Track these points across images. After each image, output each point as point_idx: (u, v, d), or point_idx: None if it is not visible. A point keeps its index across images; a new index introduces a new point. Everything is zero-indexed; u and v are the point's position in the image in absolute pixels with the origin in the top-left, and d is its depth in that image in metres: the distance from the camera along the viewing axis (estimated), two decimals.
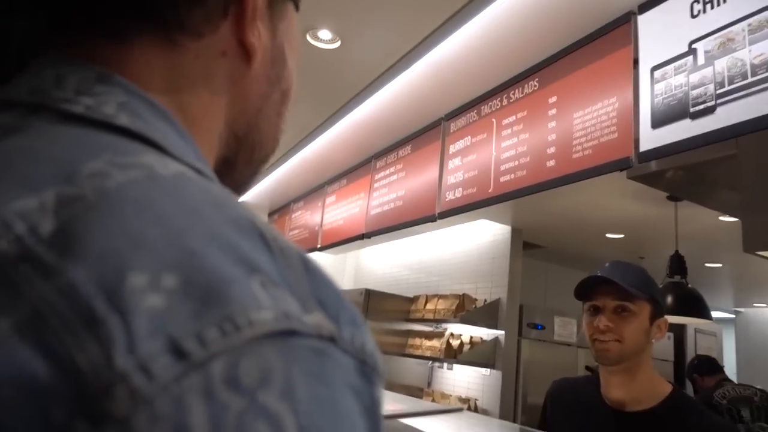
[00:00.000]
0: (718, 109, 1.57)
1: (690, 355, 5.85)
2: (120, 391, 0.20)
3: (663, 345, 5.19)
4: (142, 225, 0.24)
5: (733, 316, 7.66)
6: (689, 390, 4.29)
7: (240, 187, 0.46)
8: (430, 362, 4.90)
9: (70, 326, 0.21)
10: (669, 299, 3.40)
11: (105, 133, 0.30)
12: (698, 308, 3.39)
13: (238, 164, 0.43)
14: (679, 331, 5.62)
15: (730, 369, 7.27)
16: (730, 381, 3.61)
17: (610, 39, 1.98)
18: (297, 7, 0.46)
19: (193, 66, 0.37)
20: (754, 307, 7.34)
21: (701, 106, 1.62)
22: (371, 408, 0.26)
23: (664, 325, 1.38)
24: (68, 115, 0.30)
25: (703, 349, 5.97)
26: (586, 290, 1.40)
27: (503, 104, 2.46)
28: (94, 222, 0.23)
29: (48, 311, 0.21)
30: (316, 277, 0.28)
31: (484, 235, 4.82)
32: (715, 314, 7.77)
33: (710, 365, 3.93)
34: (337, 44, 2.40)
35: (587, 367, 4.40)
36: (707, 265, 5.30)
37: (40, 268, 0.22)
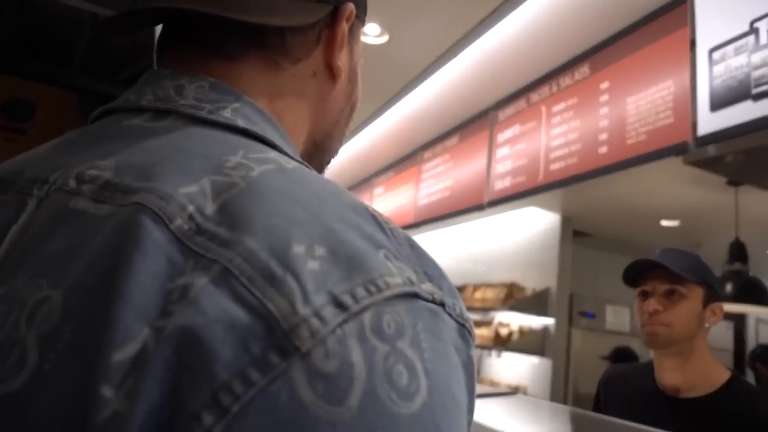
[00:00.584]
0: None
1: (750, 345, 5.62)
2: (303, 330, 0.25)
3: (722, 334, 5.00)
4: (289, 207, 0.29)
5: None
6: (750, 380, 4.14)
7: None
8: (479, 350, 4.90)
9: (256, 282, 0.26)
10: (728, 287, 3.29)
11: (230, 134, 0.36)
12: (759, 296, 3.26)
13: (313, 165, 0.48)
14: (739, 320, 5.40)
15: None
16: None
17: (665, 21, 1.93)
18: (364, 26, 0.51)
19: (289, 84, 0.43)
20: None
21: (765, 87, 1.56)
22: (468, 364, 0.31)
23: (719, 310, 1.31)
24: (195, 118, 0.36)
25: (765, 338, 5.72)
26: (636, 275, 1.37)
27: (553, 91, 2.43)
28: (251, 203, 0.29)
29: (236, 271, 0.26)
30: (421, 254, 0.33)
31: (533, 224, 4.77)
32: None
33: None
34: (385, 38, 2.42)
35: (617, 350, 4.30)
36: None
37: (215, 239, 0.27)
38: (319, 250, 0.27)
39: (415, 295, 0.29)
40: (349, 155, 4.01)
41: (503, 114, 2.76)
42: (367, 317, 0.26)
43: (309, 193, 0.31)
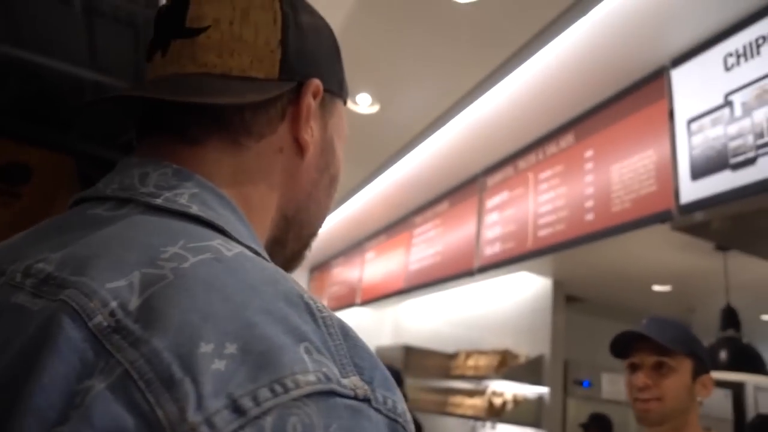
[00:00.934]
0: (759, 160, 1.56)
1: (750, 413, 5.48)
2: None
3: (721, 403, 4.88)
4: (210, 301, 0.29)
5: None
6: None
7: (291, 262, 0.51)
8: (472, 421, 4.74)
9: (152, 387, 0.25)
10: (722, 354, 3.24)
11: (181, 221, 0.36)
12: (754, 364, 3.21)
13: (288, 242, 0.48)
14: (737, 388, 5.29)
15: None
16: None
17: (645, 93, 2.01)
18: (345, 102, 0.53)
19: (254, 162, 0.43)
20: None
21: (741, 158, 1.61)
22: None
23: (710, 382, 1.30)
24: (151, 206, 0.37)
25: (764, 407, 5.59)
26: (624, 347, 1.36)
27: (539, 159, 2.49)
28: (172, 298, 0.29)
29: (136, 374, 0.26)
30: (354, 343, 0.32)
31: (524, 289, 4.74)
32: None
33: None
34: (376, 108, 2.50)
35: (593, 416, 4.17)
36: (763, 317, 5.04)
37: (128, 337, 0.27)
38: (230, 348, 0.27)
39: (331, 393, 0.28)
40: (341, 220, 4.04)
41: (492, 180, 2.82)
42: (268, 421, 0.25)
43: (240, 283, 0.31)
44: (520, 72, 2.15)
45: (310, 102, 0.44)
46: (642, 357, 1.29)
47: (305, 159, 0.46)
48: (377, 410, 0.29)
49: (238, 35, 0.42)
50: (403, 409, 0.31)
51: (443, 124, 2.56)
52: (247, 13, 0.42)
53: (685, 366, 1.26)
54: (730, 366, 3.15)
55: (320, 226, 0.52)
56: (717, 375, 3.37)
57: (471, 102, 2.38)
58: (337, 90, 0.49)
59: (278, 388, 0.26)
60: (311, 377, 0.27)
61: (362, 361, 0.31)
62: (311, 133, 0.46)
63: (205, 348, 0.27)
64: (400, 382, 3.22)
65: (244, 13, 0.42)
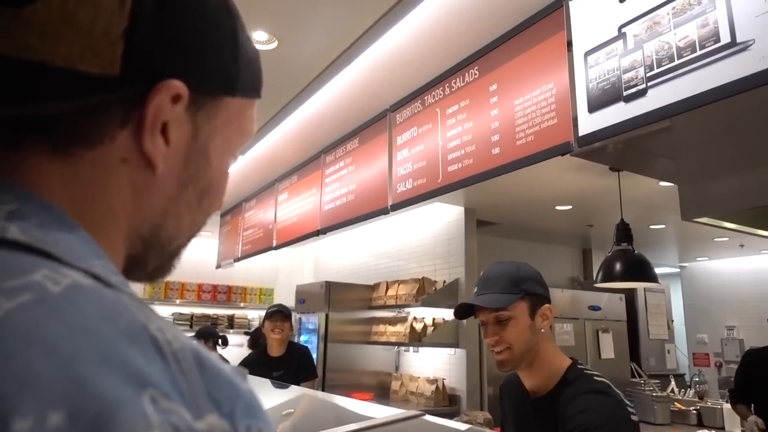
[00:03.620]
0: (650, 92, 1.63)
1: (641, 312, 6.14)
2: None
3: (616, 307, 5.41)
4: (29, 360, 0.24)
5: (678, 270, 8.07)
6: None
7: (155, 277, 0.45)
8: (396, 347, 4.96)
9: None
10: (617, 266, 3.55)
11: None
12: (645, 273, 3.55)
13: (148, 261, 0.42)
14: (630, 292, 5.87)
15: (679, 321, 7.68)
16: None
17: (544, 25, 2.02)
18: (248, 96, 0.44)
19: (89, 173, 0.36)
20: (697, 261, 7.75)
21: (633, 90, 1.67)
22: None
23: (549, 311, 1.41)
24: None
25: (652, 306, 6.27)
26: (468, 311, 1.45)
27: (446, 93, 2.47)
28: None
29: None
30: (211, 374, 0.29)
31: (438, 218, 4.88)
32: (661, 270, 8.17)
33: None
34: (274, 45, 2.35)
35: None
36: (652, 227, 5.54)
37: None
38: (54, 418, 0.23)
39: None
40: (251, 161, 3.88)
41: (400, 116, 2.78)
42: None
43: (69, 328, 0.26)
44: (424, 5, 2.08)
45: (160, 108, 0.37)
46: (484, 315, 1.40)
47: (158, 172, 0.39)
48: None
49: (70, 16, 0.33)
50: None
51: (349, 60, 2.46)
52: None
53: (521, 309, 1.37)
54: (624, 276, 3.47)
55: (192, 237, 0.46)
56: (614, 285, 3.69)
57: (376, 37, 2.29)
58: (223, 88, 0.42)
59: None
60: None
61: (220, 393, 0.29)
62: (162, 144, 0.38)
63: (21, 425, 0.22)
64: (224, 341, 3.45)
65: None
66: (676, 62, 1.57)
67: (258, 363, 3.19)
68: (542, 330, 1.38)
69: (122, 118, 0.36)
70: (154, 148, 0.38)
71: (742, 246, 6.62)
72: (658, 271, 3.76)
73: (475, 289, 1.43)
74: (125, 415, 0.24)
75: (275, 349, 3.27)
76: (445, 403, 4.27)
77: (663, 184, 3.95)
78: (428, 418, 1.07)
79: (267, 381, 2.19)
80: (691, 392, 4.62)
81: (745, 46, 1.41)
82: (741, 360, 3.48)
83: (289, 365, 3.21)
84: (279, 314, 3.28)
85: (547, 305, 1.41)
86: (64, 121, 0.35)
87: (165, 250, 0.43)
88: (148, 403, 0.25)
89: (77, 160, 0.36)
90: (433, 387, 4.28)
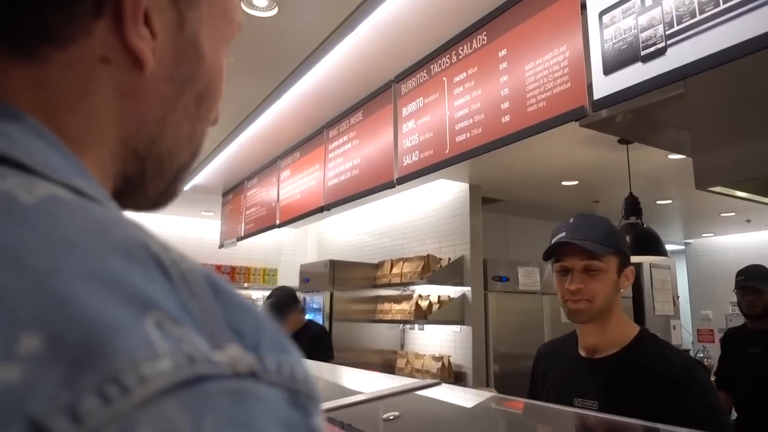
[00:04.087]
0: (669, 51, 1.56)
1: (647, 289, 6.11)
2: None
3: None
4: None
5: (684, 247, 8.03)
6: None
7: (158, 203, 0.40)
8: (401, 325, 4.94)
9: None
10: (626, 240, 3.50)
11: None
12: (655, 247, 3.50)
13: (147, 181, 0.37)
14: (635, 268, 5.84)
15: (684, 297, 7.66)
16: None
17: None
18: None
19: (64, 77, 0.30)
20: (702, 237, 7.70)
21: (652, 49, 1.60)
22: None
23: (631, 273, 1.41)
24: None
25: (658, 282, 6.24)
26: (554, 251, 1.41)
27: (453, 61, 2.40)
28: None
29: None
30: (228, 301, 0.24)
31: (443, 195, 4.83)
32: (667, 247, 8.13)
33: None
34: (275, 11, 2.27)
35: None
36: (658, 202, 5.49)
37: None
38: (29, 343, 0.18)
39: (200, 379, 0.20)
40: (251, 138, 3.81)
41: (405, 86, 2.71)
42: None
43: (45, 241, 0.21)
44: None
45: None
46: (572, 261, 1.35)
47: (146, 72, 0.33)
48: (270, 383, 0.22)
49: None
50: (305, 373, 0.24)
51: (351, 28, 2.38)
52: None
53: (612, 264, 1.34)
54: (634, 250, 3.41)
55: (193, 156, 0.40)
56: None
57: (378, 2, 2.21)
58: None
59: (112, 391, 0.18)
60: (165, 363, 0.19)
61: (242, 322, 0.23)
62: (149, 35, 0.32)
63: None
64: (295, 300, 3.17)
65: None
66: (698, 18, 1.49)
67: None
68: (622, 290, 1.38)
69: (95, 6, 0.30)
70: (140, 40, 0.32)
71: (748, 221, 6.56)
72: None
73: (561, 234, 1.37)
74: (123, 341, 0.19)
75: (294, 330, 3.18)
76: (451, 380, 4.26)
77: (672, 156, 3.88)
78: (445, 386, 1.03)
79: None
80: None
81: None
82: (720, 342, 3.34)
83: (302, 342, 3.11)
84: (271, 308, 3.18)
85: (630, 267, 1.40)
86: (26, 16, 0.29)
87: (166, 167, 0.37)
88: (152, 327, 0.20)
89: (49, 64, 0.30)
90: (439, 364, 4.27)
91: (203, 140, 0.40)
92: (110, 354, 0.18)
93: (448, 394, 1.03)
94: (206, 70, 0.38)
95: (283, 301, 3.22)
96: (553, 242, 1.39)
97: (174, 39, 0.35)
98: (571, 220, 1.41)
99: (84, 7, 0.30)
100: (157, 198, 0.39)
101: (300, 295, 4.84)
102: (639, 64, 1.63)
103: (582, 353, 1.42)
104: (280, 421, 0.21)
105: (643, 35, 1.63)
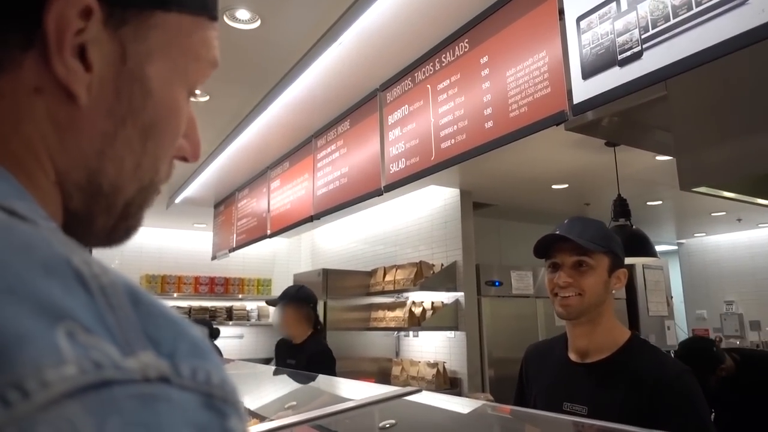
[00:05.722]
0: (645, 54, 1.57)
1: (641, 290, 6.12)
2: None
3: None
4: None
5: (676, 247, 8.06)
6: None
7: (110, 239, 0.39)
8: (396, 332, 4.93)
9: None
10: (621, 244, 3.51)
11: None
12: (644, 248, 3.51)
13: (94, 216, 0.36)
14: (628, 269, 5.85)
15: (678, 298, 7.68)
16: None
17: None
18: (199, 13, 0.38)
19: None
20: (695, 237, 7.73)
21: (628, 53, 1.62)
22: None
23: (624, 275, 1.41)
24: None
25: (651, 283, 6.25)
26: (545, 248, 1.42)
27: (436, 69, 2.41)
28: None
29: None
30: (147, 311, 0.25)
31: (434, 201, 4.84)
32: (659, 248, 8.15)
33: None
34: (257, 24, 2.28)
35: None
36: (649, 203, 5.51)
37: None
38: None
39: (105, 384, 0.21)
40: (240, 149, 3.82)
41: (390, 95, 2.72)
42: None
43: None
44: None
45: (62, 21, 0.31)
46: (563, 257, 1.36)
47: (81, 103, 0.33)
48: (183, 387, 0.23)
49: None
50: (222, 378, 0.25)
51: (335, 36, 2.39)
52: None
53: (603, 263, 1.35)
54: (623, 252, 3.43)
55: (145, 188, 0.39)
56: None
57: (361, 12, 2.22)
58: (149, 1, 0.35)
59: (13, 396, 0.19)
60: (69, 369, 0.20)
61: (159, 331, 0.24)
62: (79, 68, 0.32)
63: None
64: (307, 299, 3.10)
65: None
66: (672, 21, 1.51)
67: (284, 345, 3.22)
68: (613, 291, 1.39)
69: (23, 39, 0.31)
70: (67, 72, 0.32)
71: (739, 220, 6.60)
72: (656, 248, 3.73)
73: (556, 230, 1.40)
74: (29, 348, 0.20)
75: (295, 337, 3.11)
76: (447, 386, 4.25)
77: (659, 158, 3.90)
78: (426, 393, 1.03)
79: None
80: None
81: (743, 1, 1.35)
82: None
83: (300, 357, 3.05)
84: (272, 301, 3.16)
85: (623, 269, 1.41)
86: None
87: (111, 202, 0.37)
88: (62, 336, 0.21)
89: None
90: (434, 371, 4.26)
91: (157, 176, 0.39)
92: (14, 361, 0.20)
93: (433, 399, 1.04)
94: (154, 105, 0.37)
95: (290, 294, 3.10)
96: (542, 236, 1.41)
97: (115, 73, 0.35)
98: (566, 221, 1.43)
99: (13, 39, 0.31)
100: (107, 235, 0.39)
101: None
102: (616, 68, 1.65)
103: (572, 357, 1.42)
104: (192, 424, 0.22)
105: (620, 40, 1.65)
